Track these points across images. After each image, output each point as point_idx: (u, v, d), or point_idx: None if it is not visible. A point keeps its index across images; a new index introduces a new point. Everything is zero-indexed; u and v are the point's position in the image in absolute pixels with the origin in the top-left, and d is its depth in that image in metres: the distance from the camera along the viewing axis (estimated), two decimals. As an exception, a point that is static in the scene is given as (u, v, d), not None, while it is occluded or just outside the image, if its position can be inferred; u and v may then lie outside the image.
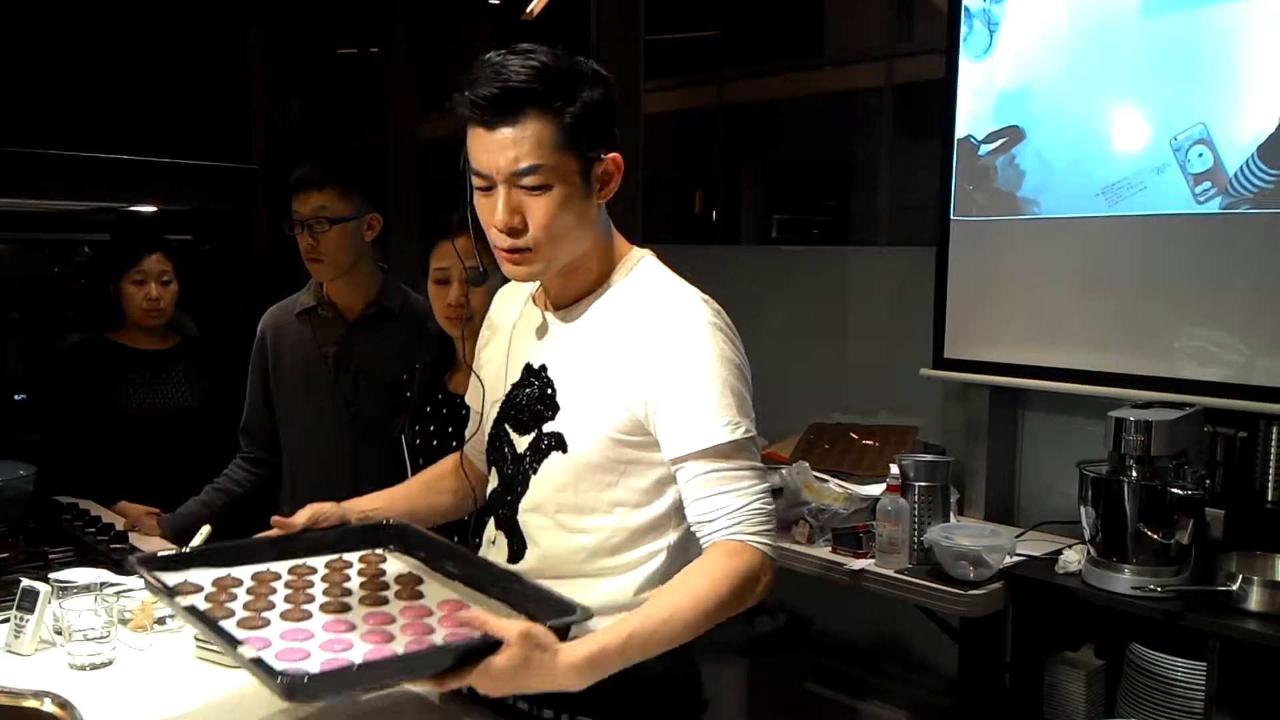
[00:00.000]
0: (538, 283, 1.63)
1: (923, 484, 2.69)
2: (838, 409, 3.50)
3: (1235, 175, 2.61)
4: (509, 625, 1.25)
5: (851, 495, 2.89)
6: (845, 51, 4.31)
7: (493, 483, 1.67)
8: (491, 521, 1.67)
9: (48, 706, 0.61)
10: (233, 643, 1.25)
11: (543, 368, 1.57)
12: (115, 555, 2.26)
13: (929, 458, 2.76)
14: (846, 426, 3.31)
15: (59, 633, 1.80)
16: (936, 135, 3.24)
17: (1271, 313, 2.60)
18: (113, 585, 1.94)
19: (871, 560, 2.68)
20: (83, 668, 1.75)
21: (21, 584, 1.83)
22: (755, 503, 1.42)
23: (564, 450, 1.51)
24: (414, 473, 2.20)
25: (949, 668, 3.15)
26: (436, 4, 6.16)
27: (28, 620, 1.81)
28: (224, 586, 1.48)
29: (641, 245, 1.61)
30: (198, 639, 1.83)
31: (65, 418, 2.93)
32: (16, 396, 3.07)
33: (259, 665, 1.20)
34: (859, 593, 2.72)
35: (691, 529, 1.47)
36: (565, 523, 1.53)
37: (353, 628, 1.38)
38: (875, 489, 2.83)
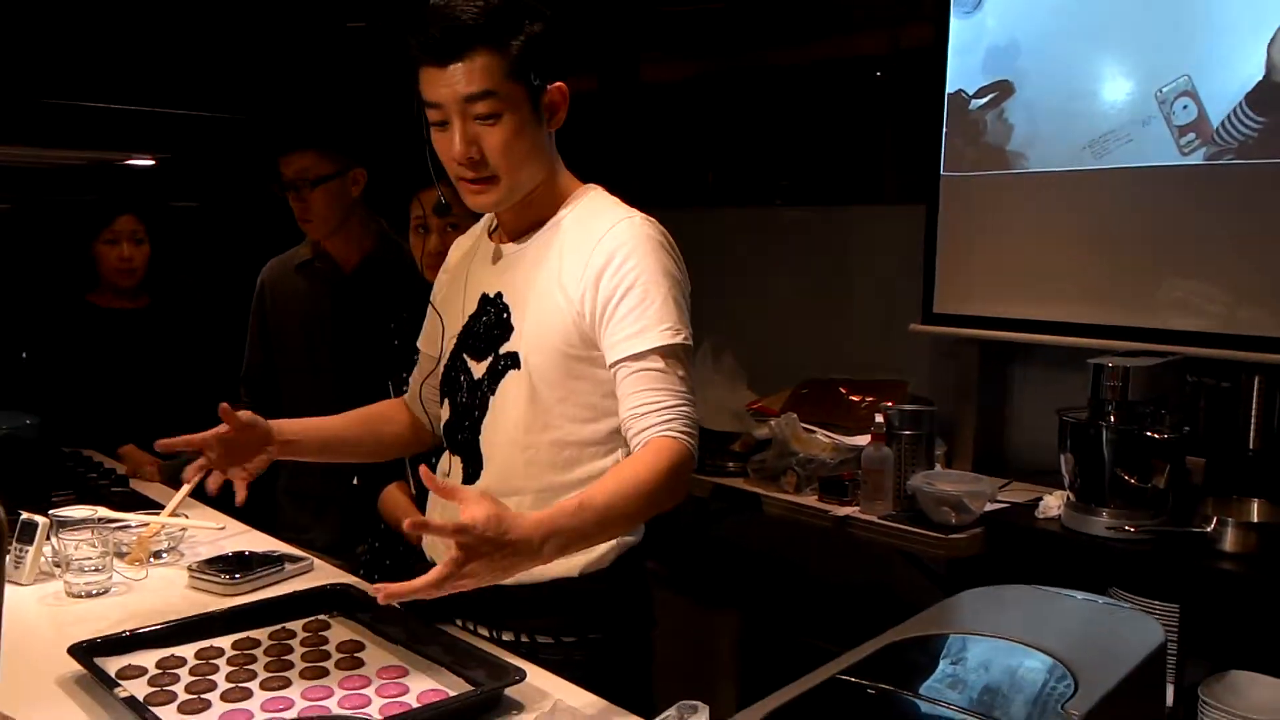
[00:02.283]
0: (490, 222, 1.71)
1: (907, 433, 2.73)
2: (831, 366, 3.54)
3: (1222, 124, 2.63)
4: (471, 500, 1.28)
5: (839, 446, 2.94)
6: (847, 18, 4.30)
7: (445, 415, 1.72)
8: (446, 452, 1.73)
9: None
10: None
11: (498, 295, 1.63)
12: (115, 497, 2.32)
13: (913, 407, 2.80)
14: (837, 381, 3.35)
15: (58, 565, 1.86)
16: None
17: (1253, 262, 2.62)
18: (110, 521, 2.00)
19: (856, 507, 2.73)
20: (79, 596, 1.82)
21: (21, 516, 1.90)
22: (685, 406, 1.48)
23: (518, 368, 1.57)
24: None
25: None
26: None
27: (26, 551, 1.87)
28: (167, 668, 1.48)
29: (644, 211, 1.65)
30: (191, 569, 1.90)
31: (54, 375, 2.98)
32: (21, 354, 3.13)
33: None
34: (846, 541, 2.77)
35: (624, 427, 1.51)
36: (519, 439, 1.58)
37: (291, 704, 1.40)
38: (862, 440, 2.87)
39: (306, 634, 1.63)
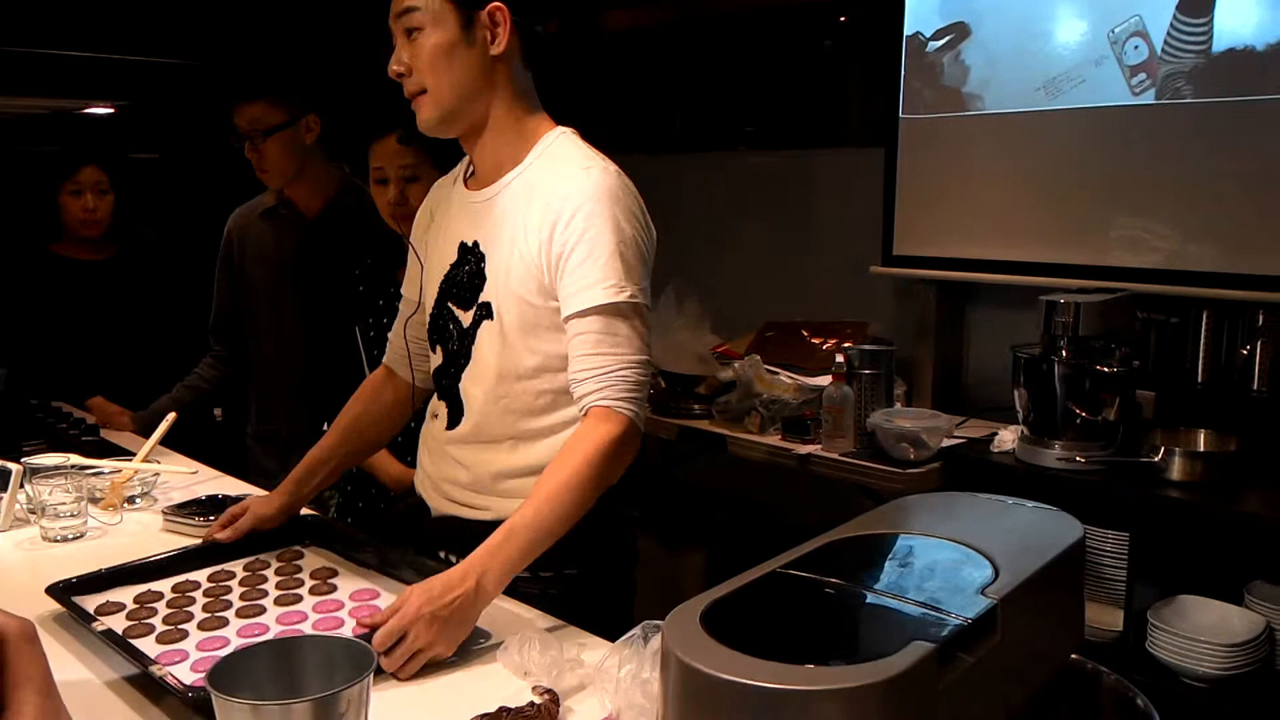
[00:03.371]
0: (466, 167, 1.73)
1: (867, 372, 2.78)
2: (794, 309, 3.59)
3: (1164, 43, 2.67)
4: (391, 608, 1.33)
5: (801, 386, 3.00)
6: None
7: (436, 360, 1.76)
8: (435, 395, 1.77)
9: None
10: (145, 663, 1.30)
11: (475, 244, 1.65)
12: (86, 447, 2.34)
13: (872, 348, 2.86)
14: (799, 324, 3.40)
15: (33, 511, 1.89)
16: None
17: (1202, 199, 2.69)
18: (84, 468, 2.03)
19: (818, 445, 2.79)
20: (54, 540, 1.85)
21: (-7, 464, 1.92)
22: (626, 370, 1.50)
23: (491, 318, 1.61)
24: (370, 366, 2.29)
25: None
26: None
27: (1, 498, 1.90)
28: (144, 602, 1.51)
29: (608, 156, 1.66)
30: (165, 513, 1.93)
31: (20, 327, 2.98)
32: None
33: (168, 683, 1.24)
34: (809, 478, 2.84)
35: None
36: (495, 388, 1.62)
37: (266, 629, 1.44)
38: (824, 381, 2.93)
39: (280, 564, 1.67)
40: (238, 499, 1.98)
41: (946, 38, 3.13)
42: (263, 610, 1.50)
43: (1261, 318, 2.61)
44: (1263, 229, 2.59)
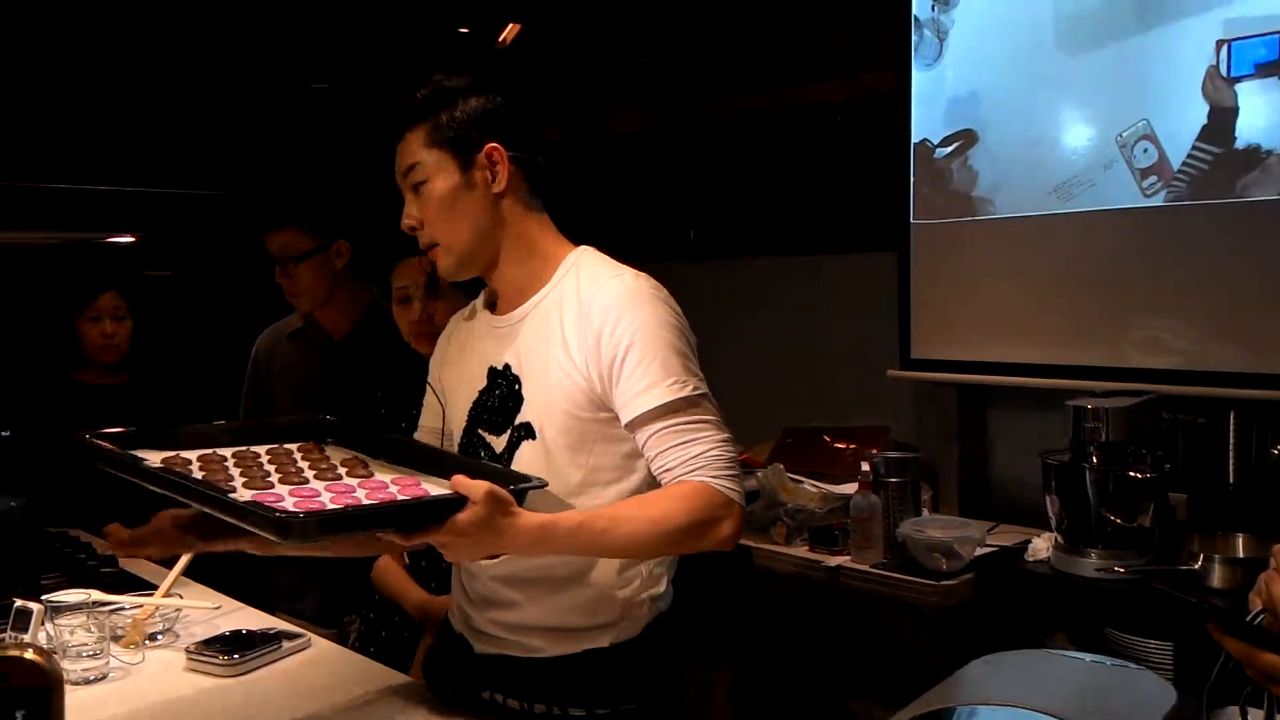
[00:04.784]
0: (488, 295, 1.73)
1: (893, 480, 2.75)
2: (812, 414, 3.57)
3: (1183, 164, 2.70)
4: (476, 484, 1.32)
5: (826, 495, 2.96)
6: (810, 67, 4.39)
7: None
8: None
9: (29, 656, 0.65)
10: (221, 491, 1.29)
11: (506, 367, 1.64)
12: (106, 578, 2.30)
13: (898, 455, 2.83)
14: (820, 430, 3.38)
15: (53, 652, 1.84)
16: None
17: (1220, 300, 2.68)
18: (104, 604, 1.98)
19: (847, 557, 2.74)
20: (77, 683, 1.79)
21: (15, 605, 1.87)
22: (715, 449, 1.48)
23: (533, 437, 1.58)
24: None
25: (932, 661, 3.21)
26: (405, 35, 6.23)
27: (22, 640, 1.85)
28: (173, 465, 1.49)
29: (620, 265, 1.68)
30: (189, 651, 1.88)
31: (37, 455, 2.95)
32: (2, 432, 3.10)
33: (254, 509, 1.25)
34: (839, 590, 2.78)
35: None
36: (539, 508, 1.58)
37: (317, 494, 1.41)
38: (849, 488, 2.90)
39: (303, 453, 1.62)
40: (262, 634, 1.95)
41: (954, 144, 3.17)
42: (306, 481, 1.46)
43: (1290, 417, 2.59)
44: (1286, 328, 2.58)
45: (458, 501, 1.31)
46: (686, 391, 1.49)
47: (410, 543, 1.34)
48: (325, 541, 1.52)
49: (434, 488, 1.46)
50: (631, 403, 1.50)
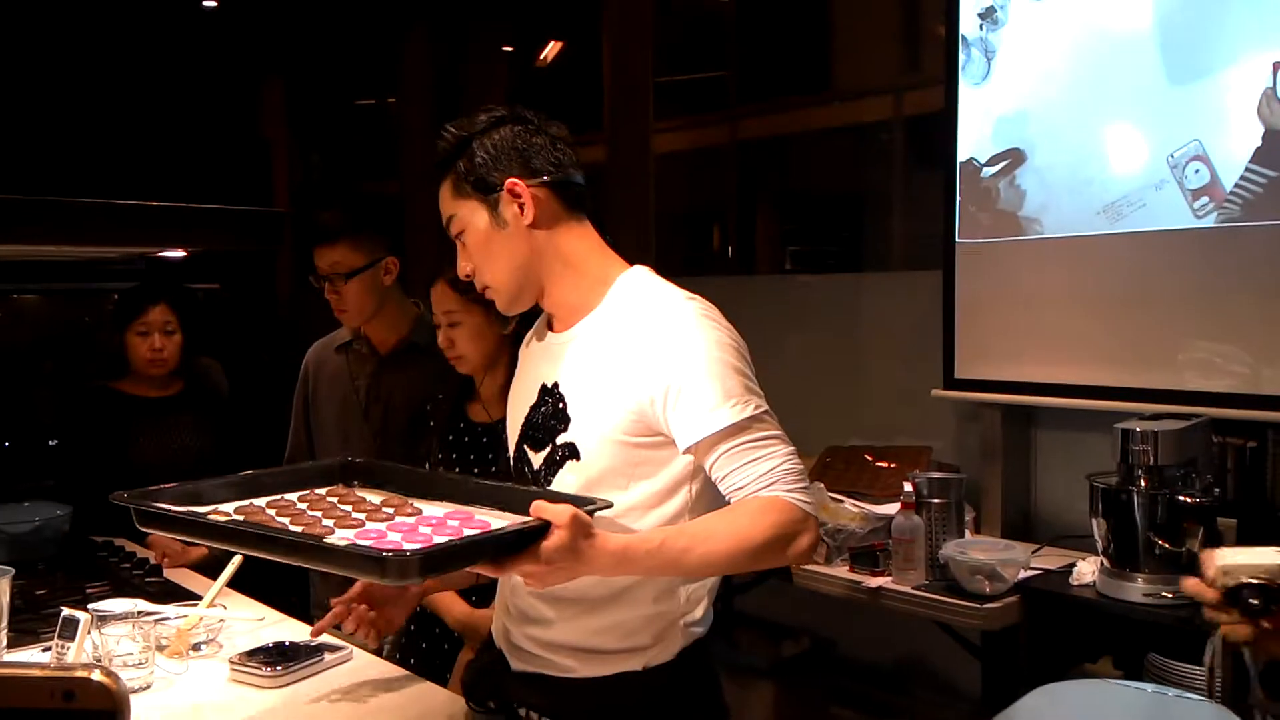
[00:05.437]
0: (547, 315, 1.73)
1: (936, 501, 2.73)
2: (853, 433, 3.55)
3: (1236, 186, 2.67)
4: (561, 510, 1.32)
5: (867, 515, 2.93)
6: (854, 85, 4.40)
7: None
8: None
9: (96, 676, 0.66)
10: (314, 539, 1.31)
11: (555, 385, 1.64)
12: (150, 588, 2.33)
13: (941, 475, 2.80)
14: (861, 449, 3.36)
15: (98, 660, 1.86)
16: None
17: (1273, 323, 2.64)
18: (149, 614, 2.00)
19: (889, 578, 2.72)
20: (122, 692, 1.81)
21: (62, 613, 1.90)
22: (785, 463, 1.47)
23: (577, 458, 1.57)
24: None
25: (972, 685, 3.17)
26: (452, 53, 6.31)
27: (68, 648, 1.86)
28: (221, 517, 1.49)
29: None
30: (233, 662, 1.89)
31: (83, 464, 2.99)
32: (50, 442, 3.15)
33: (355, 550, 1.27)
34: (879, 612, 2.76)
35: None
36: None
37: (384, 535, 1.41)
38: (891, 509, 2.87)
39: (338, 498, 1.61)
40: (304, 646, 1.96)
41: (1001, 164, 3.14)
42: (361, 524, 1.46)
43: (1342, 442, 2.54)
44: (1341, 352, 2.53)
45: (543, 529, 1.31)
46: (750, 411, 1.48)
47: (502, 572, 1.35)
48: (426, 579, 1.54)
49: (489, 517, 1.46)
50: (694, 426, 1.48)
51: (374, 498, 1.63)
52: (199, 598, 2.17)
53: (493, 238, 1.60)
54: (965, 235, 3.23)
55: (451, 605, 2.25)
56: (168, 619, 2.05)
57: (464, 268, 1.65)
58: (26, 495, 2.83)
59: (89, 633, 1.89)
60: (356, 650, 2.01)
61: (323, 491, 1.65)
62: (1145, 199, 2.84)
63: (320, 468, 1.77)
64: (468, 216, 1.61)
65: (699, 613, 1.61)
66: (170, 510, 1.49)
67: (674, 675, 1.57)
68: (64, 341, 4.23)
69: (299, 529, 1.44)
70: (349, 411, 2.70)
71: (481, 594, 2.16)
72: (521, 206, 1.59)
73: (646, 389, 1.52)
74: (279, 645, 1.96)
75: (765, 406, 1.51)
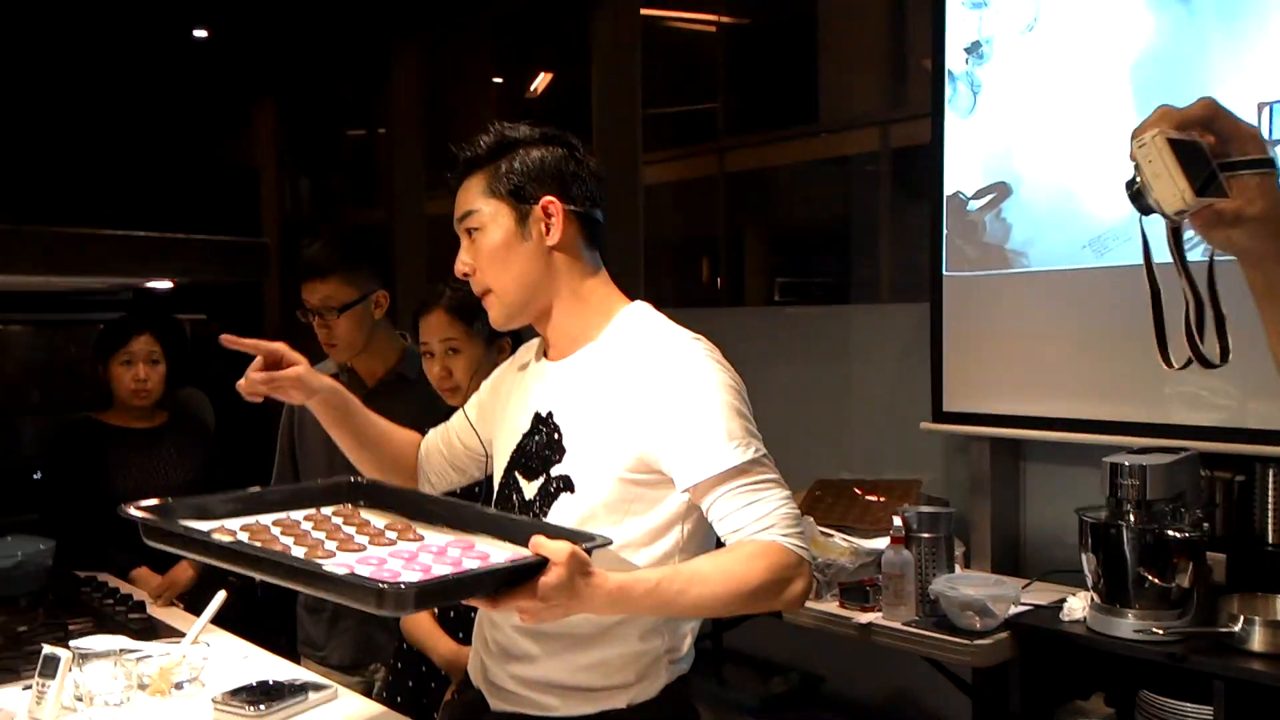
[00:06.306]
0: (541, 341, 1.72)
1: (926, 535, 2.72)
2: (842, 465, 3.55)
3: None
4: (560, 547, 1.30)
5: (857, 549, 2.92)
6: (841, 118, 4.43)
7: None
8: None
9: None
10: (313, 565, 1.30)
11: (550, 414, 1.63)
12: (133, 625, 2.30)
13: (931, 509, 2.79)
14: (850, 482, 3.35)
15: (79, 699, 1.83)
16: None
17: (1259, 356, 2.63)
18: (131, 651, 1.98)
19: (879, 613, 2.70)
20: (103, 732, 1.79)
21: (43, 651, 1.87)
22: (782, 507, 1.47)
23: (572, 491, 1.56)
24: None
25: (963, 722, 3.15)
26: (441, 84, 6.33)
27: (49, 686, 1.84)
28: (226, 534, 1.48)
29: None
30: (216, 701, 1.87)
31: (66, 497, 2.96)
32: (35, 475, 3.12)
33: (353, 579, 1.26)
34: (869, 648, 2.74)
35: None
36: None
37: (385, 561, 1.40)
38: (880, 543, 2.86)
39: (343, 518, 1.60)
40: (289, 685, 1.93)
41: (988, 197, 3.15)
42: (363, 548, 1.45)
43: (1331, 476, 2.54)
44: (1327, 386, 2.54)
45: (540, 564, 1.30)
46: (750, 454, 1.48)
47: (497, 607, 1.34)
48: (420, 610, 1.54)
49: (489, 547, 1.45)
50: (696, 467, 1.48)
51: (379, 520, 1.63)
52: (183, 634, 2.14)
53: (512, 247, 1.59)
54: (952, 268, 3.24)
55: (438, 642, 2.23)
56: (150, 656, 2.02)
57: (463, 264, 1.63)
58: (9, 529, 2.79)
59: (69, 671, 1.87)
60: (341, 689, 1.99)
61: (329, 511, 1.64)
62: (1131, 233, 2.83)
63: (327, 486, 1.75)
64: (490, 217, 1.60)
65: (684, 649, 1.61)
66: (175, 527, 1.49)
67: (658, 713, 1.56)
68: (49, 373, 4.20)
69: (302, 550, 1.43)
70: (335, 444, 2.67)
71: (469, 630, 2.13)
72: (549, 227, 1.60)
73: (648, 426, 1.51)
74: (263, 684, 1.94)
75: (764, 450, 1.51)
